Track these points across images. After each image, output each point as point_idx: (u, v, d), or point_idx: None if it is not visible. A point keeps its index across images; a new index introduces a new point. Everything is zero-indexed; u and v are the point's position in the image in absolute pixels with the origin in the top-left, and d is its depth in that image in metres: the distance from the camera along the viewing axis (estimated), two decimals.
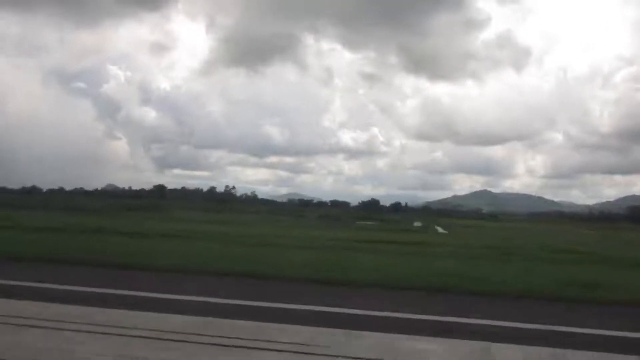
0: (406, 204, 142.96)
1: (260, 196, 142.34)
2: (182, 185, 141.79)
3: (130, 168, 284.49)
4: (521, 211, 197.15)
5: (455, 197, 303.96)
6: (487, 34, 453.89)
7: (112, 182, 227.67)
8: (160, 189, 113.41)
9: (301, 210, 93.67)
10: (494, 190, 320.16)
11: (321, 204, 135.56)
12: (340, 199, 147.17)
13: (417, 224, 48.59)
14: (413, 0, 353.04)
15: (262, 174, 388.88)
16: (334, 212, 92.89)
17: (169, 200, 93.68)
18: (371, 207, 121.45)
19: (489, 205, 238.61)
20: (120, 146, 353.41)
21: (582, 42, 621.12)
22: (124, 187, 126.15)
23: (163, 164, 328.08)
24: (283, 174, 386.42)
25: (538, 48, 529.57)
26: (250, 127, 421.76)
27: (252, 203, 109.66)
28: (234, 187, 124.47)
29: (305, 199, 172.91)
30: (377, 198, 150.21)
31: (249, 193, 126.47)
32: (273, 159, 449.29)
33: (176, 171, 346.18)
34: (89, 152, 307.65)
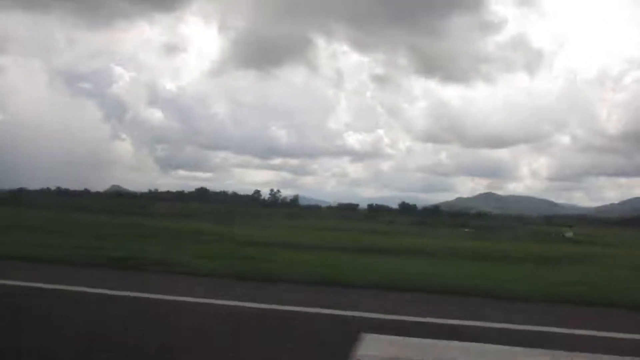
0: (438, 207, 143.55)
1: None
2: (182, 187, 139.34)
3: (139, 169, 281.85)
4: (527, 214, 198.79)
5: (459, 199, 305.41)
6: (500, 37, 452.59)
7: (117, 183, 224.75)
8: (202, 192, 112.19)
9: (372, 215, 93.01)
10: (499, 192, 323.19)
11: (348, 206, 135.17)
12: (344, 201, 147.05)
13: (569, 234, 47.02)
14: (429, 2, 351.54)
15: (265, 175, 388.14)
16: (388, 215, 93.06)
17: (215, 205, 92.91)
18: (409, 210, 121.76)
19: (495, 207, 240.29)
20: (127, 147, 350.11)
21: (592, 45, 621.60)
22: (157, 190, 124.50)
23: (170, 164, 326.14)
24: (286, 175, 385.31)
25: (549, 51, 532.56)
26: (256, 129, 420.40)
27: (294, 208, 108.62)
28: (278, 191, 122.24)
29: (312, 202, 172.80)
30: (383, 200, 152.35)
31: (292, 197, 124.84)
32: (277, 160, 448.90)
33: (181, 172, 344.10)
34: (97, 153, 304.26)
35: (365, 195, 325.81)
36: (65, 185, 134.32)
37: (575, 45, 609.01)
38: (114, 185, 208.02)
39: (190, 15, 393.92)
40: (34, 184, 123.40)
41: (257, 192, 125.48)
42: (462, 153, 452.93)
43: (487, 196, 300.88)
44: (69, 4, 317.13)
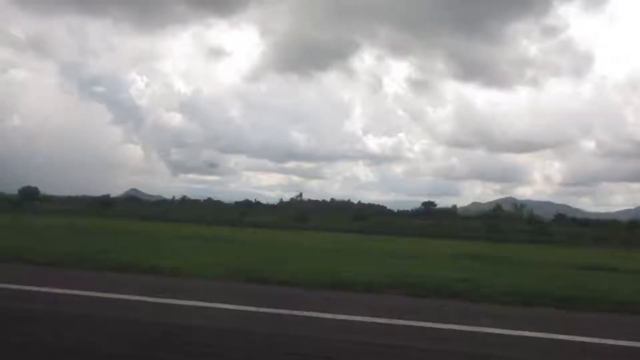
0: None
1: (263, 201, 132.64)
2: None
3: (159, 173, 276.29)
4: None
5: (475, 204, 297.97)
6: (555, 41, 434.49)
7: (135, 186, 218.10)
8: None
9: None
10: (518, 197, 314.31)
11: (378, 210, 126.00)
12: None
13: None
14: (494, 7, 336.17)
15: (273, 178, 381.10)
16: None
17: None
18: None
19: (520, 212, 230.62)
20: (139, 152, 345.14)
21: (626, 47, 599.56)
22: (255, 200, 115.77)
23: (184, 168, 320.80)
24: (295, 179, 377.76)
25: (597, 55, 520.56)
26: (279, 132, 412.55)
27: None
28: (523, 206, 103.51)
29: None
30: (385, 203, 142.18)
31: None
32: (292, 164, 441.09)
33: (190, 176, 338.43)
34: (113, 156, 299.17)
35: (369, 198, 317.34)
36: (82, 190, 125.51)
37: (617, 48, 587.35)
38: (132, 189, 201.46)
39: (245, 20, 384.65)
40: (51, 189, 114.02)
41: (498, 206, 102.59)
42: (481, 157, 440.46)
43: (505, 201, 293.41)
44: (126, 9, 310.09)
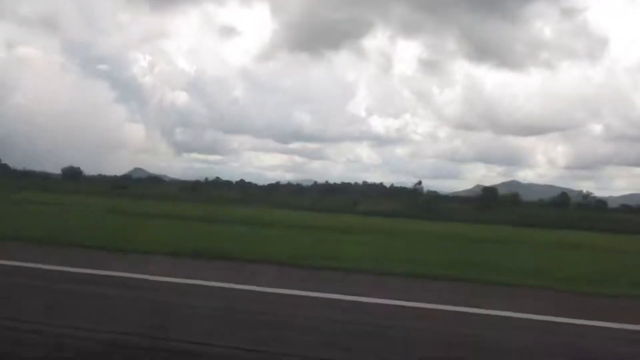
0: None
1: (260, 183, 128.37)
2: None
3: (164, 152, 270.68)
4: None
5: (478, 187, 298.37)
6: (572, 24, 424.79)
7: (139, 166, 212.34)
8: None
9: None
10: (521, 180, 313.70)
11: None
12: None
13: None
14: None
15: (276, 159, 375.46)
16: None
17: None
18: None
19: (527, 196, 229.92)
20: (145, 132, 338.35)
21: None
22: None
23: (188, 148, 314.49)
24: (298, 159, 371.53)
25: (612, 38, 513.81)
26: (286, 113, 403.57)
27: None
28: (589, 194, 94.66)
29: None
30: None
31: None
32: (296, 144, 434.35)
33: (194, 155, 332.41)
34: (119, 136, 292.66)
35: (371, 180, 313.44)
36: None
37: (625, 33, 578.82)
38: (136, 168, 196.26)
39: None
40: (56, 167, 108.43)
41: (564, 194, 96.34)
42: (487, 140, 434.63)
43: (511, 184, 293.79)
44: None
